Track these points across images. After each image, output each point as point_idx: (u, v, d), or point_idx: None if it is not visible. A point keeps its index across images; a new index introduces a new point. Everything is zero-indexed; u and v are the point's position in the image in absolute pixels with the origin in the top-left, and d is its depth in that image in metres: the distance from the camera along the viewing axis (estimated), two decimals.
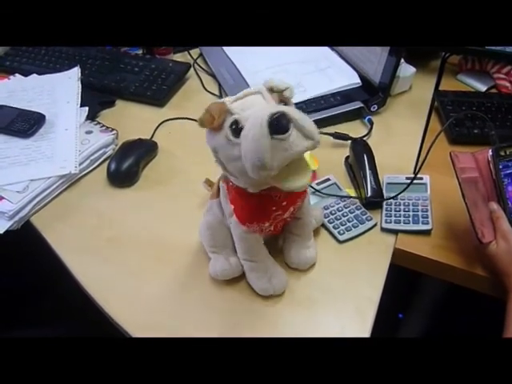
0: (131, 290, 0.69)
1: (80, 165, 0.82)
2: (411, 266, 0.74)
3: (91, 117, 0.93)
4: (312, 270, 0.71)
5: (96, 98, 0.98)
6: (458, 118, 0.91)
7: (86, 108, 0.92)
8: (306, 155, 0.66)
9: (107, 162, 0.86)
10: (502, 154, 0.68)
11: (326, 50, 1.11)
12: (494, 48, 1.01)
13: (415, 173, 0.76)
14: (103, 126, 0.91)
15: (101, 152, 0.86)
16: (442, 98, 0.98)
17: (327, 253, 0.72)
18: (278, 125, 0.49)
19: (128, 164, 0.83)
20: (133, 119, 0.98)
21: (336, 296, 0.68)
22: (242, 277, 0.68)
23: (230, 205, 0.63)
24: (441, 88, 1.06)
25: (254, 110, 0.52)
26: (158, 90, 1.01)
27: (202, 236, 0.71)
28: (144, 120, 0.97)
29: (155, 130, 0.94)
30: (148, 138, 0.91)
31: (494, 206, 0.68)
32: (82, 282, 0.69)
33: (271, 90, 0.55)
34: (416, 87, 1.06)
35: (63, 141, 0.86)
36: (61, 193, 0.82)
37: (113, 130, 0.90)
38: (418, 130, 0.95)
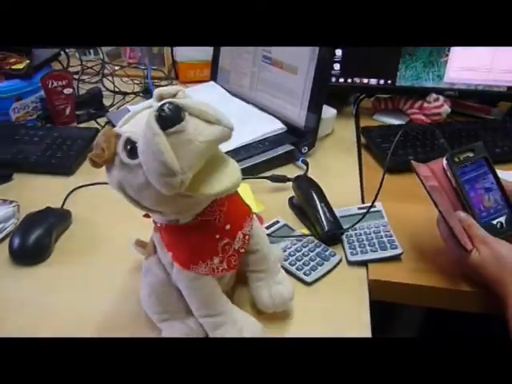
0: None
1: None
2: (390, 298, 0.65)
3: None
4: (288, 321, 0.59)
5: None
6: (389, 148, 0.90)
7: None
8: (246, 193, 0.58)
9: (8, 239, 0.69)
10: (456, 159, 0.65)
11: (242, 104, 1.07)
12: (403, 84, 1.05)
13: (372, 201, 0.70)
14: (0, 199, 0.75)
15: None
16: (369, 133, 0.97)
17: (298, 298, 0.61)
18: (168, 116, 0.41)
19: (36, 235, 0.67)
20: (37, 191, 0.83)
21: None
22: None
23: (167, 254, 0.52)
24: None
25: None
26: (65, 157, 0.88)
27: (145, 304, 0.56)
28: (51, 191, 0.82)
29: (66, 198, 0.79)
30: (58, 207, 0.77)
31: (462, 214, 0.63)
32: None
33: (162, 99, 0.47)
34: (338, 130, 1.06)
35: None
36: None
37: (12, 201, 0.75)
38: (352, 166, 0.92)
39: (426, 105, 1.05)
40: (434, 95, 1.03)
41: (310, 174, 0.87)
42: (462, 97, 1.06)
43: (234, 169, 0.47)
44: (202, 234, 0.50)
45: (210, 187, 0.45)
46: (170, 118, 0.41)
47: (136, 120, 0.46)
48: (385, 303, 0.65)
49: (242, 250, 0.54)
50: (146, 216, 0.53)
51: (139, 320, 0.58)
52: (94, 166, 0.45)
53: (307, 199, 0.74)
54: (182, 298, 0.54)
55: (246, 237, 0.54)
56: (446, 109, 1.04)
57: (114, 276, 0.65)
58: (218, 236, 0.51)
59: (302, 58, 0.92)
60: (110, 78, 1.26)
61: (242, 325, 0.53)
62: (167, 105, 0.41)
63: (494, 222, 0.64)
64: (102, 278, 0.65)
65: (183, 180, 0.42)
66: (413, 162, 0.63)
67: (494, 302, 0.58)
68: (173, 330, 0.54)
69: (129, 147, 0.43)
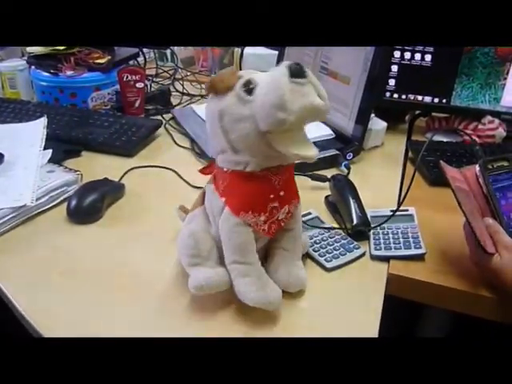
0: (85, 323, 0.57)
1: (37, 200, 0.74)
2: (409, 294, 0.66)
3: (55, 162, 0.87)
4: (301, 297, 0.62)
5: (61, 147, 0.93)
6: (435, 161, 0.91)
7: (50, 150, 0.86)
8: None
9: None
10: (490, 167, 0.66)
11: None
12: (458, 105, 1.06)
13: (399, 203, 0.72)
14: (67, 167, 0.85)
15: (62, 190, 0.79)
16: (416, 146, 0.98)
17: (315, 280, 0.64)
18: (298, 69, 0.50)
19: (91, 199, 0.75)
20: (100, 167, 0.93)
21: (334, 321, 0.59)
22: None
23: (220, 200, 0.57)
24: None
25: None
26: (128, 141, 0.98)
27: (180, 246, 0.61)
28: (112, 167, 0.91)
29: (123, 175, 0.88)
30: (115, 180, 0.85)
31: (490, 220, 0.63)
32: (27, 315, 0.58)
33: None
34: (388, 144, 1.08)
35: (21, 178, 0.78)
36: (14, 227, 0.73)
37: (77, 171, 0.84)
38: (394, 177, 0.93)
39: (480, 126, 1.04)
40: (489, 117, 1.03)
41: (350, 178, 0.90)
42: None
43: (312, 146, 0.54)
44: (260, 187, 0.56)
45: (294, 148, 0.52)
46: (298, 71, 0.50)
47: (258, 74, 0.54)
48: (413, 307, 0.66)
49: (283, 224, 0.59)
50: (203, 172, 0.62)
51: (166, 277, 0.64)
52: (209, 89, 0.54)
53: (340, 194, 0.77)
54: (215, 249, 0.59)
55: (289, 214, 0.59)
56: (501, 132, 1.03)
57: (152, 241, 0.72)
58: (271, 196, 0.56)
59: (355, 69, 0.96)
60: (180, 81, 1.37)
61: (266, 282, 0.57)
62: (300, 65, 0.50)
63: None
64: (141, 241, 0.72)
65: (286, 119, 0.49)
66: (442, 162, 0.65)
67: None
68: (199, 271, 0.58)
69: (247, 87, 0.51)
